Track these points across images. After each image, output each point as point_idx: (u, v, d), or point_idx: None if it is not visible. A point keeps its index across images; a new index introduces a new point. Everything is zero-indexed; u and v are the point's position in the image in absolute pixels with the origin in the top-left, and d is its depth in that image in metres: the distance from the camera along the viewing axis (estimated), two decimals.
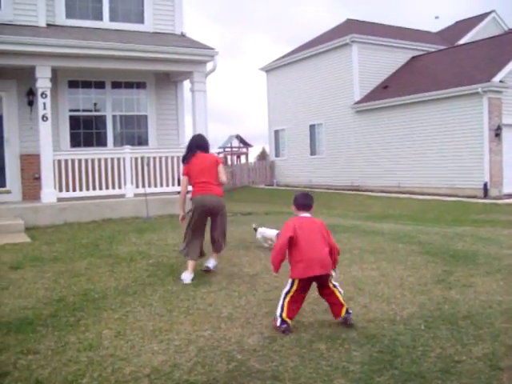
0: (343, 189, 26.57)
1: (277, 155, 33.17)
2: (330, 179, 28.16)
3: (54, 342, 4.80)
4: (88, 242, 9.56)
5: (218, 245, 7.25)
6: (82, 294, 6.27)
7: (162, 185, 13.54)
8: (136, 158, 13.30)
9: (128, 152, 13.17)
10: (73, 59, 12.65)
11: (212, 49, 14.04)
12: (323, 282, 5.11)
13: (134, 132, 15.11)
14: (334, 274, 5.22)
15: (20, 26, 13.14)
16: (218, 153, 36.85)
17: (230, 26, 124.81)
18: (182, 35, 15.42)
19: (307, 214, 5.29)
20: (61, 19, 14.14)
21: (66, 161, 12.65)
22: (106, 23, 14.69)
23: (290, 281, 5.08)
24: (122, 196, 13.11)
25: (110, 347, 4.67)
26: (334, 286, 5.15)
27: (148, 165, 13.29)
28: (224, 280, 6.72)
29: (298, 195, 5.47)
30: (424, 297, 5.97)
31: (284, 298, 5.04)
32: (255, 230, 8.93)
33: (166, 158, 13.63)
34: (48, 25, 13.67)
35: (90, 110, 14.87)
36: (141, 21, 15.19)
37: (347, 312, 5.09)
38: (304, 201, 5.36)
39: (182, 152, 13.94)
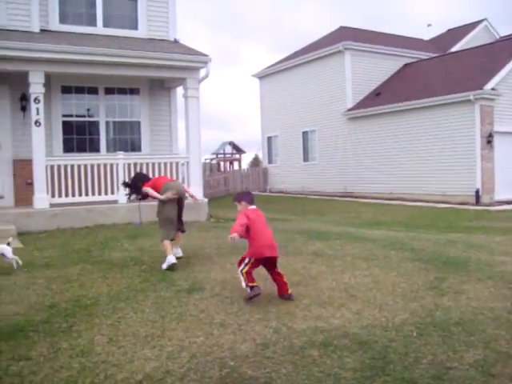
0: (336, 195, 26.62)
1: (270, 162, 33.22)
2: (323, 186, 28.21)
3: (46, 348, 4.78)
4: (80, 247, 9.55)
5: None
6: (75, 300, 6.25)
7: None
8: (129, 164, 13.28)
9: (121, 158, 13.15)
10: (66, 64, 12.65)
11: (205, 55, 14.07)
12: (273, 263, 6.26)
13: (127, 138, 15.10)
14: None
15: (13, 31, 13.12)
16: (211, 159, 36.84)
17: (226, 33, 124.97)
18: (176, 41, 15.45)
19: (254, 207, 6.45)
20: (54, 24, 14.14)
21: (59, 166, 12.63)
22: (99, 29, 14.70)
23: (246, 260, 6.14)
24: (115, 202, 13.08)
25: (103, 353, 4.66)
26: None
27: (141, 171, 13.28)
28: (217, 286, 6.71)
29: (244, 193, 6.82)
30: (416, 303, 5.98)
31: (242, 274, 6.12)
32: None
33: (159, 164, 13.62)
34: (41, 30, 13.66)
35: (83, 116, 14.86)
36: (135, 27, 15.22)
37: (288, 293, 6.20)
38: (251, 197, 6.61)
39: (174, 159, 14.06)
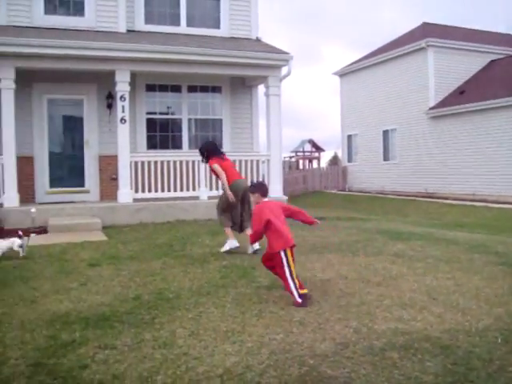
0: (417, 195, 26.06)
1: (349, 160, 32.89)
2: (404, 185, 27.68)
3: (130, 339, 4.91)
4: (162, 242, 9.77)
5: None
6: (157, 293, 6.40)
7: None
8: None
9: None
10: (151, 63, 13.00)
11: (287, 53, 14.11)
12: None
13: (208, 135, 15.32)
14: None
15: (101, 32, 13.60)
16: (290, 157, 36.83)
17: (305, 31, 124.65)
18: (258, 40, 15.55)
19: (266, 199, 6.51)
20: (140, 25, 14.55)
21: (143, 162, 12.99)
22: (183, 28, 15.00)
23: (283, 255, 5.99)
24: (196, 198, 13.32)
25: (184, 346, 4.74)
26: None
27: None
28: None
29: (259, 185, 6.95)
30: (501, 309, 5.78)
31: (293, 280, 5.90)
32: None
33: (240, 161, 13.77)
34: (128, 30, 14.09)
35: (167, 113, 15.21)
36: (217, 26, 15.42)
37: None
38: (266, 189, 6.71)
39: (255, 156, 14.17)
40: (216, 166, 8.97)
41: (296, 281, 5.90)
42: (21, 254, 8.55)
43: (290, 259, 6.00)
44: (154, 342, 4.85)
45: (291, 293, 5.87)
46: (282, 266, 5.98)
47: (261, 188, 6.67)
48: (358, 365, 4.33)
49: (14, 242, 8.61)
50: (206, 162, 9.33)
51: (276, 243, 6.06)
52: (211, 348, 4.70)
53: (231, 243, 8.69)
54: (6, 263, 8.11)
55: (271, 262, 6.25)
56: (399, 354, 4.51)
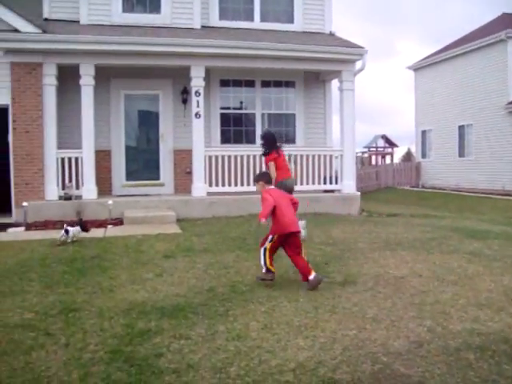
0: (492, 193, 25.25)
1: (423, 156, 32.22)
2: (479, 182, 26.88)
3: (204, 330, 5.01)
4: (236, 235, 9.87)
5: None
6: (231, 286, 6.49)
7: (307, 183, 13.68)
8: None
9: None
10: (225, 59, 13.13)
11: (361, 47, 13.96)
12: (296, 243, 6.56)
13: (281, 130, 15.32)
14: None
15: (177, 28, 13.83)
16: (363, 152, 36.46)
17: (378, 24, 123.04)
18: (331, 34, 15.44)
19: (272, 187, 7.04)
20: (214, 21, 14.71)
21: (216, 157, 13.15)
22: (256, 24, 15.05)
23: (269, 237, 6.59)
24: None
25: (257, 339, 4.80)
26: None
27: (295, 163, 13.46)
28: (370, 281, 6.66)
29: (261, 174, 7.66)
30: None
31: (264, 252, 6.57)
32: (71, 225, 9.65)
33: (313, 156, 13.75)
34: (202, 26, 14.26)
35: (240, 108, 15.32)
36: (291, 21, 15.40)
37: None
38: (268, 177, 7.28)
39: (328, 151, 14.11)
40: (271, 164, 9.33)
41: (267, 258, 6.56)
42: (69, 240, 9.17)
43: (272, 244, 6.60)
44: (228, 333, 4.93)
45: (259, 260, 6.67)
46: (265, 240, 6.67)
47: (264, 176, 7.21)
48: (433, 364, 4.28)
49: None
50: (264, 154, 9.60)
51: (274, 228, 6.61)
52: (284, 342, 4.74)
53: None
54: (85, 253, 8.38)
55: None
56: (475, 356, 4.43)
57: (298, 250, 6.57)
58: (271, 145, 9.56)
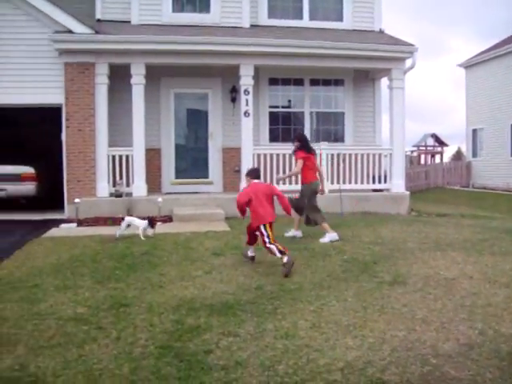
0: None
1: (474, 155, 31.55)
2: None
3: (253, 328, 5.04)
4: (283, 234, 9.86)
5: None
6: (279, 284, 6.50)
7: (356, 182, 13.60)
8: (332, 155, 13.49)
9: (325, 148, 13.37)
10: (274, 57, 13.17)
11: (411, 45, 13.80)
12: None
13: (330, 128, 15.30)
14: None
15: (226, 27, 13.92)
16: (412, 151, 35.97)
17: (429, 21, 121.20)
18: (381, 32, 15.32)
19: (257, 180, 7.91)
20: (263, 19, 14.76)
21: (265, 155, 13.20)
22: (305, 22, 15.04)
23: (262, 228, 7.34)
24: None
25: (306, 338, 4.80)
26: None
27: (344, 161, 13.40)
28: (419, 282, 6.57)
29: (250, 170, 8.51)
30: None
31: (270, 243, 7.23)
32: (123, 219, 9.97)
33: (362, 155, 13.67)
34: (251, 25, 14.31)
35: (289, 107, 15.32)
36: (340, 19, 15.33)
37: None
38: (256, 172, 8.21)
39: (377, 150, 14.00)
40: (300, 161, 9.57)
41: (276, 244, 7.22)
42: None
43: (268, 229, 7.34)
44: (276, 332, 4.94)
45: (274, 254, 7.16)
46: (263, 236, 7.33)
47: (251, 173, 8.12)
48: (484, 368, 4.21)
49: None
50: (294, 152, 9.87)
51: (253, 222, 7.52)
52: (332, 341, 4.73)
53: (332, 236, 9.17)
54: (135, 249, 8.51)
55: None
56: None
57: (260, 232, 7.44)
58: (301, 144, 9.71)
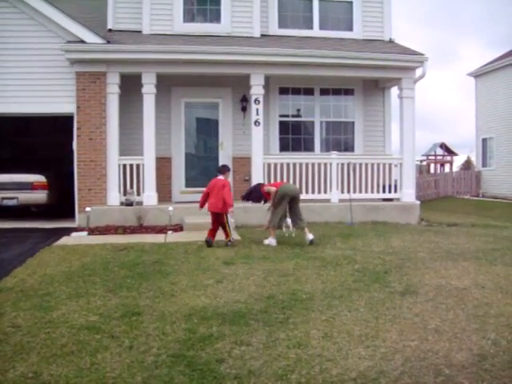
0: None
1: (483, 165, 31.42)
2: None
3: (265, 337, 5.03)
4: (295, 243, 9.88)
5: None
6: (291, 294, 6.49)
7: (366, 191, 13.59)
8: (342, 164, 13.49)
9: (335, 158, 13.40)
10: (284, 67, 13.21)
11: (422, 54, 13.82)
12: (220, 218, 9.78)
13: (340, 138, 15.30)
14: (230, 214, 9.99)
15: (236, 37, 13.99)
16: (421, 160, 35.88)
17: (440, 29, 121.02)
18: (391, 41, 15.33)
19: (221, 177, 9.97)
20: (273, 29, 14.82)
21: (275, 164, 13.22)
22: (315, 31, 15.08)
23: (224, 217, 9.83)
24: (327, 201, 13.35)
25: (318, 347, 4.79)
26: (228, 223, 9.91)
27: (354, 171, 13.40)
28: (431, 291, 6.56)
29: (219, 166, 10.97)
30: None
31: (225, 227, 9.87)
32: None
33: (372, 164, 13.65)
34: (262, 35, 14.37)
35: (299, 116, 15.34)
36: (349, 28, 15.36)
37: (229, 240, 9.79)
38: (220, 168, 10.40)
39: (387, 160, 13.99)
40: (273, 189, 10.38)
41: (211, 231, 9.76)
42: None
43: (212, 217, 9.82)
44: (288, 341, 4.94)
45: (229, 234, 9.79)
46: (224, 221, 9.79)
47: (220, 168, 10.47)
48: (498, 379, 4.19)
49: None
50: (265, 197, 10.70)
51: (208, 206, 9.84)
52: (345, 351, 4.72)
53: (271, 241, 9.98)
54: (146, 258, 8.54)
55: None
56: None
57: (222, 224, 9.79)
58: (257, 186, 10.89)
